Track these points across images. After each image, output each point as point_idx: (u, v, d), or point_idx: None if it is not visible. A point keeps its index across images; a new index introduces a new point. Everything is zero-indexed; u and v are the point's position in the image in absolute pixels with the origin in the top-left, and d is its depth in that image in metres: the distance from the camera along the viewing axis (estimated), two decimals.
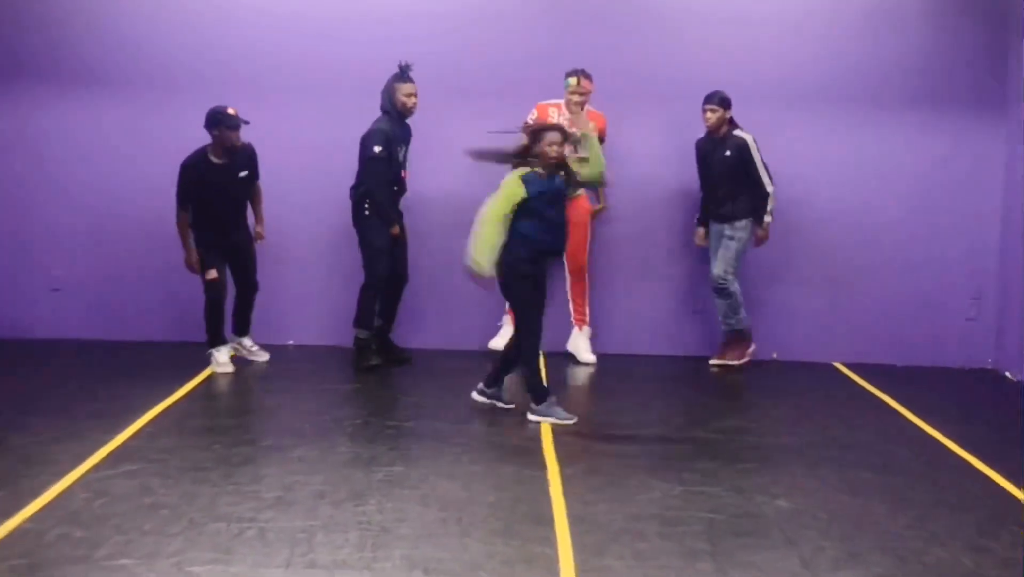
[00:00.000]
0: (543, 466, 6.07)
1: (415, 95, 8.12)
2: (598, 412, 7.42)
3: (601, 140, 8.16)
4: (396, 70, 8.08)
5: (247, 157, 8.13)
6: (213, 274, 8.05)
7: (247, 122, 7.92)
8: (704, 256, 8.81)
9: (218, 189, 7.99)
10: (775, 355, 9.05)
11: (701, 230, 8.73)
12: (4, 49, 8.89)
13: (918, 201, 8.98)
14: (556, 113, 8.31)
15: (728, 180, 8.43)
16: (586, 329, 8.75)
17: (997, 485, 6.02)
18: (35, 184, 8.99)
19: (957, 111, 8.90)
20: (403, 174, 8.29)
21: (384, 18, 8.83)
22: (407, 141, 8.30)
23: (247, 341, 8.52)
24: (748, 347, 8.65)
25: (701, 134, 8.57)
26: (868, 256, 9.01)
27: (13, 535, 4.89)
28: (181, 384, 7.61)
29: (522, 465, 6.09)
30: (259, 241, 8.35)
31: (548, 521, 5.23)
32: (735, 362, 8.63)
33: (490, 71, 8.79)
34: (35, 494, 5.38)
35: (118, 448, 6.18)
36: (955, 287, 9.03)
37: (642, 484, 5.80)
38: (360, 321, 8.28)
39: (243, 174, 8.10)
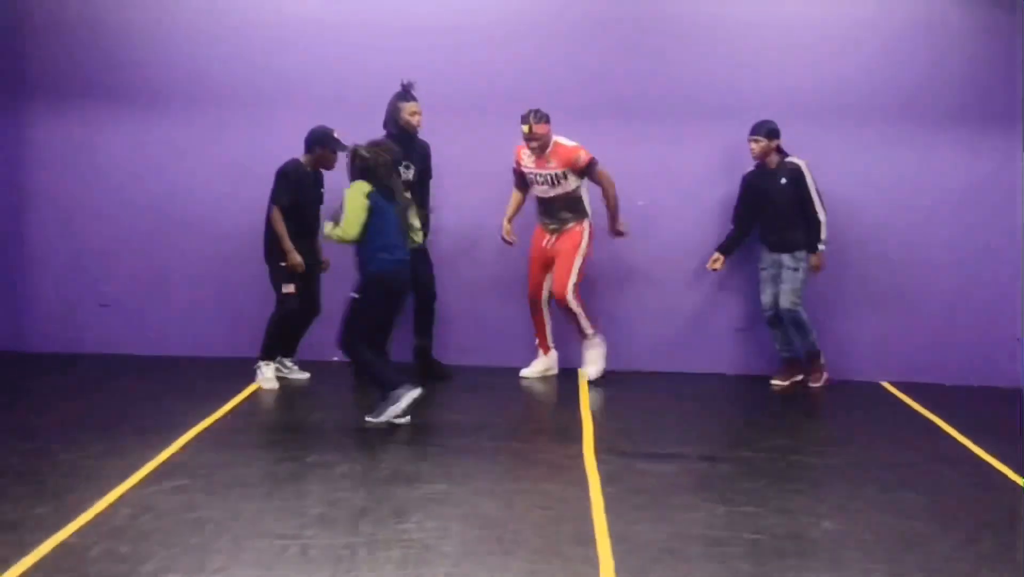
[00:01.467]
0: (585, 485, 6.04)
1: (419, 113, 8.23)
2: (639, 430, 7.38)
3: (581, 174, 8.32)
4: (399, 88, 8.18)
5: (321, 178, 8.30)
6: (291, 288, 8.09)
7: (346, 148, 7.90)
8: (734, 278, 8.89)
9: (308, 200, 8.08)
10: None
11: (721, 257, 8.71)
12: (63, 68, 9.03)
13: (966, 218, 8.89)
14: (527, 155, 8.39)
15: (787, 209, 8.42)
16: (587, 341, 8.60)
17: None
18: (85, 201, 9.11)
19: (1004, 127, 8.79)
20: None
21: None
22: (414, 159, 8.26)
23: (289, 361, 8.55)
24: (823, 368, 8.69)
25: (740, 157, 8.60)
26: (916, 275, 8.93)
27: (58, 550, 4.92)
28: (226, 400, 7.65)
29: (564, 483, 6.07)
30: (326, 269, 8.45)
31: (590, 540, 5.20)
32: (818, 384, 8.66)
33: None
34: (80, 509, 5.41)
35: (163, 463, 6.22)
36: (1004, 306, 8.91)
37: (685, 504, 5.76)
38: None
39: (322, 191, 8.24)
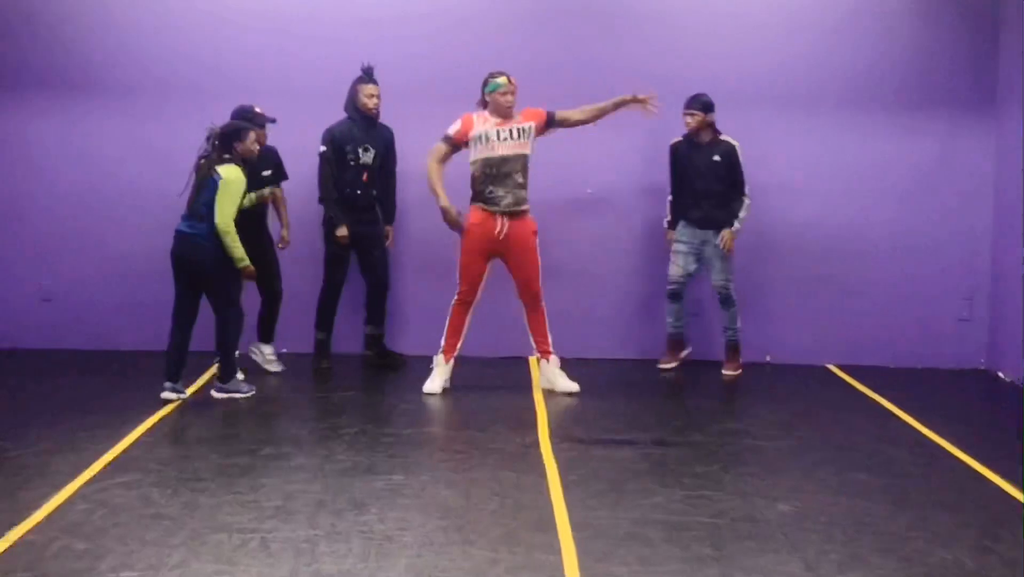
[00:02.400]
0: (543, 472, 6.06)
1: (376, 96, 8.24)
2: (592, 417, 7.39)
3: (545, 126, 7.86)
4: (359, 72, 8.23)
5: (270, 158, 8.16)
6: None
7: (273, 120, 7.94)
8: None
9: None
10: (768, 358, 9.06)
11: (672, 232, 8.70)
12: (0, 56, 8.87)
13: (910, 202, 9.01)
14: (481, 120, 7.79)
15: (718, 186, 8.41)
16: (554, 359, 8.02)
17: (995, 486, 6.03)
18: (26, 193, 8.97)
19: (949, 112, 8.94)
20: (364, 176, 8.32)
21: (381, 22, 8.86)
22: (375, 143, 8.31)
23: (267, 349, 8.48)
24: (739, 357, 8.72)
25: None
26: (860, 258, 9.03)
27: (15, 548, 4.85)
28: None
29: (522, 471, 6.08)
30: (282, 247, 8.37)
31: (551, 528, 5.22)
32: (732, 373, 8.61)
33: (477, 75, 8.75)
34: (35, 506, 5.34)
35: (116, 459, 6.15)
36: (948, 288, 9.06)
37: (644, 489, 5.80)
38: (318, 323, 8.51)
39: (266, 173, 8.12)
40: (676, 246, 8.61)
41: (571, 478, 5.95)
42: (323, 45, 8.85)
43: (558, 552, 4.93)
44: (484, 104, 7.84)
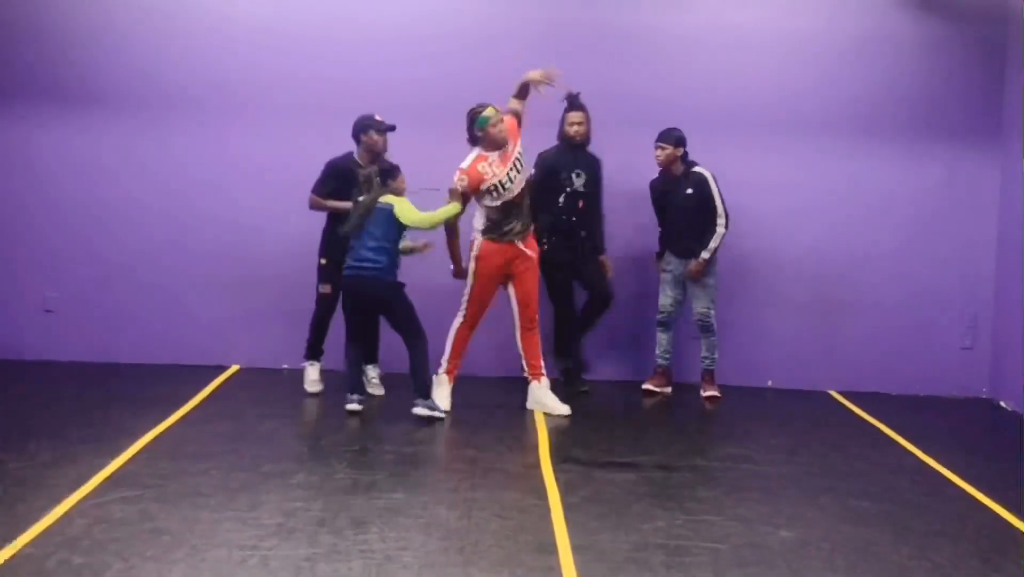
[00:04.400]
0: (543, 494, 6.04)
1: (579, 123, 8.29)
2: (594, 439, 7.37)
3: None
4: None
5: None
6: (327, 288, 8.02)
7: (393, 127, 7.91)
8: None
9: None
10: (770, 383, 9.05)
11: (660, 262, 8.72)
12: (1, 67, 8.88)
13: (913, 230, 9.01)
14: (485, 165, 7.64)
15: (692, 217, 8.37)
16: (545, 380, 7.98)
17: (997, 515, 6.02)
18: (28, 204, 8.96)
19: (952, 140, 8.95)
20: (580, 203, 8.31)
21: (386, 40, 8.88)
22: (582, 169, 8.30)
23: (371, 371, 8.34)
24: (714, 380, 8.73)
25: None
26: (863, 284, 9.04)
27: (13, 561, 4.83)
28: (176, 408, 7.55)
29: (523, 492, 6.06)
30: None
31: (552, 550, 5.20)
32: (713, 393, 8.62)
33: (492, 94, 8.73)
34: (33, 519, 5.31)
35: (115, 473, 6.12)
36: (950, 316, 9.06)
37: (645, 513, 5.78)
38: (560, 351, 8.55)
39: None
40: (663, 276, 8.67)
41: (572, 500, 5.93)
42: (327, 62, 8.86)
43: (559, 575, 4.91)
44: (474, 140, 7.72)
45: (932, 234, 9.01)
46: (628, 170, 8.74)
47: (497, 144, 7.67)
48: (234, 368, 8.87)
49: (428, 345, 7.63)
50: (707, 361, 8.63)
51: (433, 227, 7.59)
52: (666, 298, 8.62)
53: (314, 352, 8.25)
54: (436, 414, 7.55)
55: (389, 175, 7.66)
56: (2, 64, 8.89)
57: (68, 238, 8.97)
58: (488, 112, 7.63)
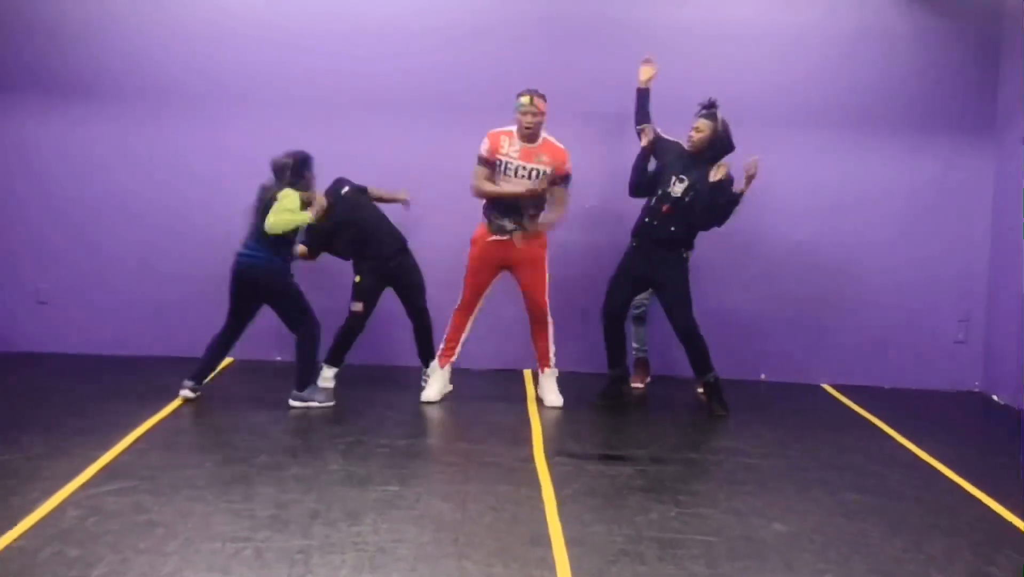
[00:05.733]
0: (537, 487, 6.04)
1: (697, 129, 7.81)
2: (587, 432, 7.40)
3: (564, 179, 7.80)
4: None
5: None
6: (358, 307, 8.01)
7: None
8: None
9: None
10: (763, 376, 9.07)
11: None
12: None
13: (906, 224, 9.02)
14: (507, 141, 7.71)
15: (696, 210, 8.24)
16: (550, 371, 8.05)
17: (990, 509, 6.04)
18: (22, 196, 8.95)
19: (946, 134, 8.95)
20: (664, 207, 7.79)
21: (380, 33, 8.85)
22: (689, 175, 7.75)
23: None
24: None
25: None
26: (856, 278, 9.04)
27: (6, 553, 4.83)
28: (169, 400, 7.54)
29: (517, 485, 6.06)
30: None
31: (546, 543, 5.20)
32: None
33: (484, 87, 8.75)
34: (26, 512, 5.32)
35: (109, 465, 6.12)
36: (943, 310, 9.08)
37: (638, 506, 5.79)
38: (612, 361, 8.20)
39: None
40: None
41: (566, 493, 5.93)
42: (323, 56, 8.84)
43: (552, 567, 4.92)
44: (518, 121, 7.75)
45: (926, 228, 9.02)
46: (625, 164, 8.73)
47: (520, 131, 7.70)
48: (228, 360, 8.85)
49: (316, 340, 7.60)
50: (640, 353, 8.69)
51: (282, 232, 7.39)
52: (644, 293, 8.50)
53: (334, 359, 8.20)
54: (312, 405, 7.57)
55: (304, 167, 7.61)
56: None
57: (62, 230, 8.95)
58: (523, 99, 7.64)
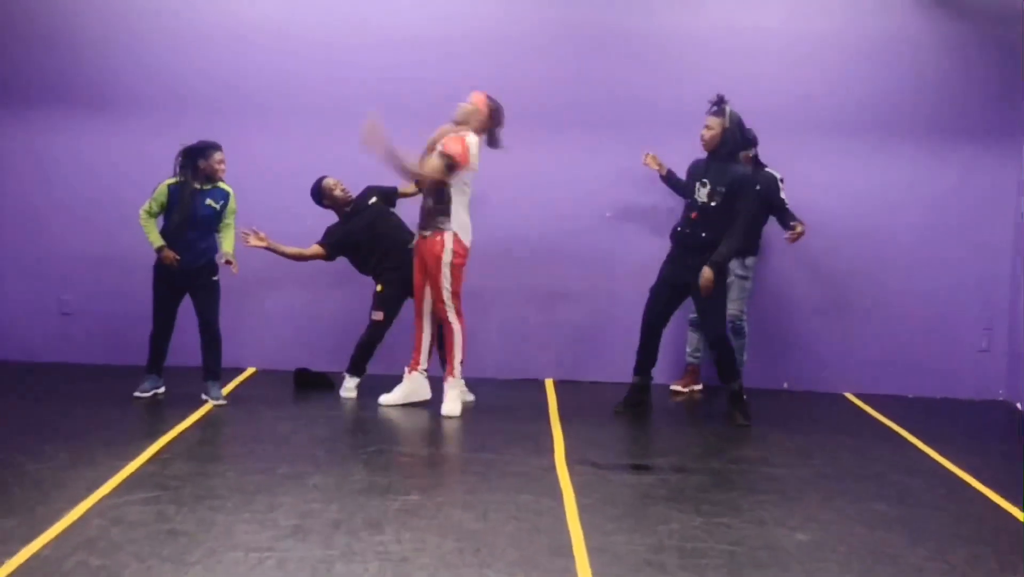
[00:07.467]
0: (559, 496, 6.04)
1: (707, 127, 7.73)
2: (609, 441, 7.40)
3: (440, 155, 7.68)
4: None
5: None
6: (379, 315, 8.11)
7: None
8: None
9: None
10: (786, 385, 9.05)
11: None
12: (15, 71, 8.94)
13: (930, 231, 8.99)
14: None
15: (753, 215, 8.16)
16: (452, 380, 7.85)
17: (1014, 518, 6.00)
18: (45, 207, 9.01)
19: (970, 141, 8.93)
20: (693, 214, 7.73)
21: (396, 43, 8.90)
22: (716, 180, 7.65)
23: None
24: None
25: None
26: (879, 286, 9.02)
27: (30, 563, 4.85)
28: (192, 410, 7.59)
29: (538, 494, 6.06)
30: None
31: (568, 552, 5.20)
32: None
33: (503, 97, 8.72)
34: (51, 521, 5.34)
35: (132, 475, 6.15)
36: (967, 318, 9.04)
37: (661, 515, 5.78)
38: (638, 368, 8.17)
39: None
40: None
41: (587, 502, 5.93)
42: (340, 65, 8.89)
43: (575, 576, 4.92)
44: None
45: (949, 235, 8.99)
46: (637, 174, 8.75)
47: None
48: (250, 370, 8.91)
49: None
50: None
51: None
52: None
53: (357, 369, 8.25)
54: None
55: (200, 155, 7.82)
56: (15, 68, 8.93)
57: (83, 241, 9.00)
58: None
